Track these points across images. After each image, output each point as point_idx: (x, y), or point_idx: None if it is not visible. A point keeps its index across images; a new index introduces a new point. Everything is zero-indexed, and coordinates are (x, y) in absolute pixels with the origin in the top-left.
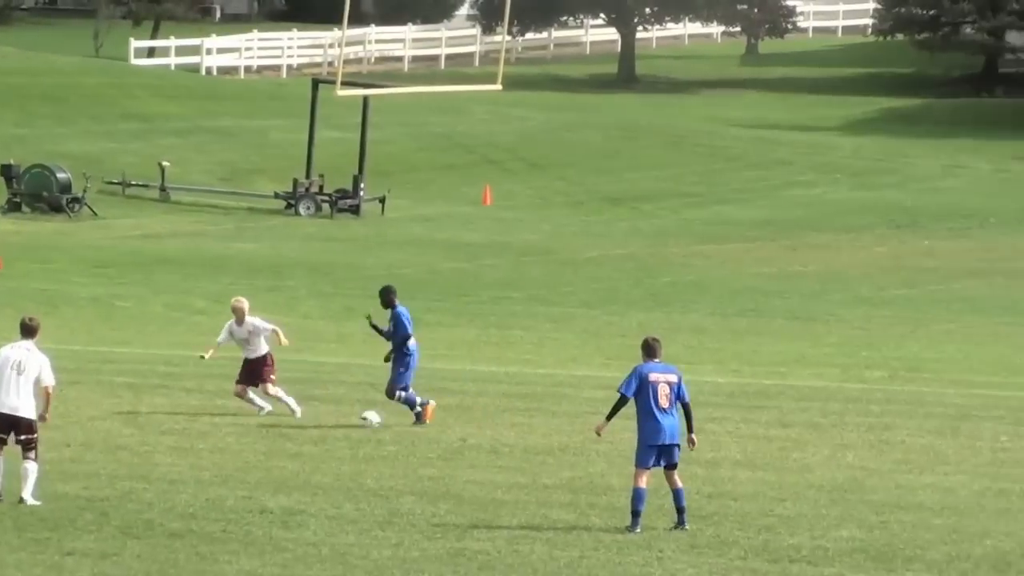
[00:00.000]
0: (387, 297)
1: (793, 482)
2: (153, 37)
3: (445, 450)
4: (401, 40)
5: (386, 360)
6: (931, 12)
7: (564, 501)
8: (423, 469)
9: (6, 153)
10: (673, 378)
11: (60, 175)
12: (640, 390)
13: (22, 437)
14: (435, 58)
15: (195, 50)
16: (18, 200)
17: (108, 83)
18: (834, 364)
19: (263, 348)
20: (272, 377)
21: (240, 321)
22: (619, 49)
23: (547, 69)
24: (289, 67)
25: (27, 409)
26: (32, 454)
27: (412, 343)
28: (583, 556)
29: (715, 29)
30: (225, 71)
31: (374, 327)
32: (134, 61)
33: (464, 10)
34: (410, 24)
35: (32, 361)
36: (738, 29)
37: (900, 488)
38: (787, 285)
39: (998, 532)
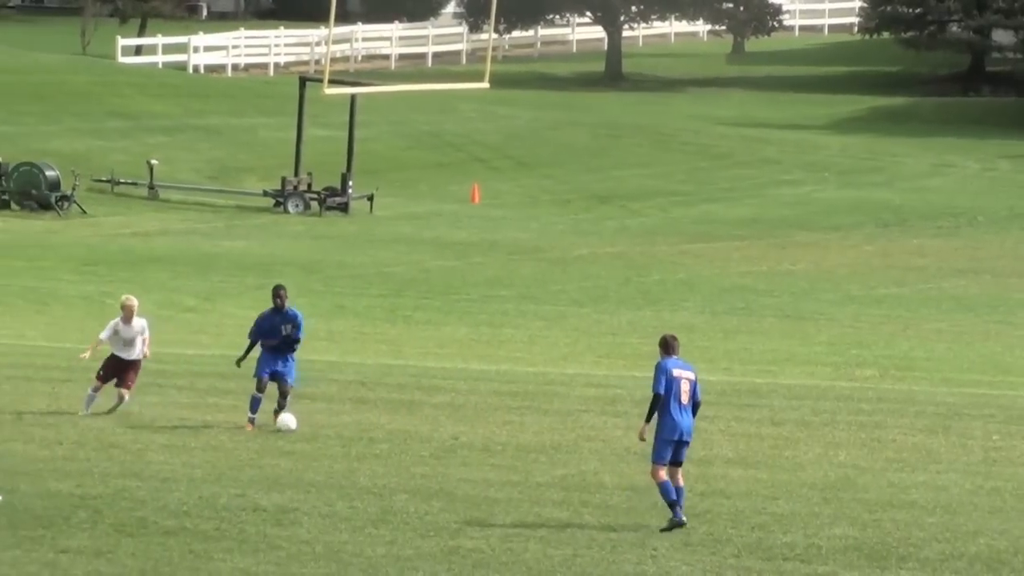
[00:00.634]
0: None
1: (786, 480)
2: (140, 35)
3: (437, 448)
4: (388, 38)
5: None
6: (917, 10)
7: (557, 499)
8: (416, 467)
9: None
10: (692, 376)
11: (49, 173)
12: (667, 386)
13: None
14: (422, 56)
15: (182, 48)
16: (7, 198)
17: (95, 81)
18: (825, 362)
19: (138, 352)
20: (133, 384)
21: (128, 320)
22: (605, 47)
23: (534, 67)
24: (276, 65)
25: None
26: None
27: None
28: (576, 554)
29: (701, 27)
30: (212, 69)
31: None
32: (121, 59)
33: (450, 8)
34: (397, 22)
35: None
36: (724, 27)
37: (892, 486)
38: (777, 284)
39: (991, 530)
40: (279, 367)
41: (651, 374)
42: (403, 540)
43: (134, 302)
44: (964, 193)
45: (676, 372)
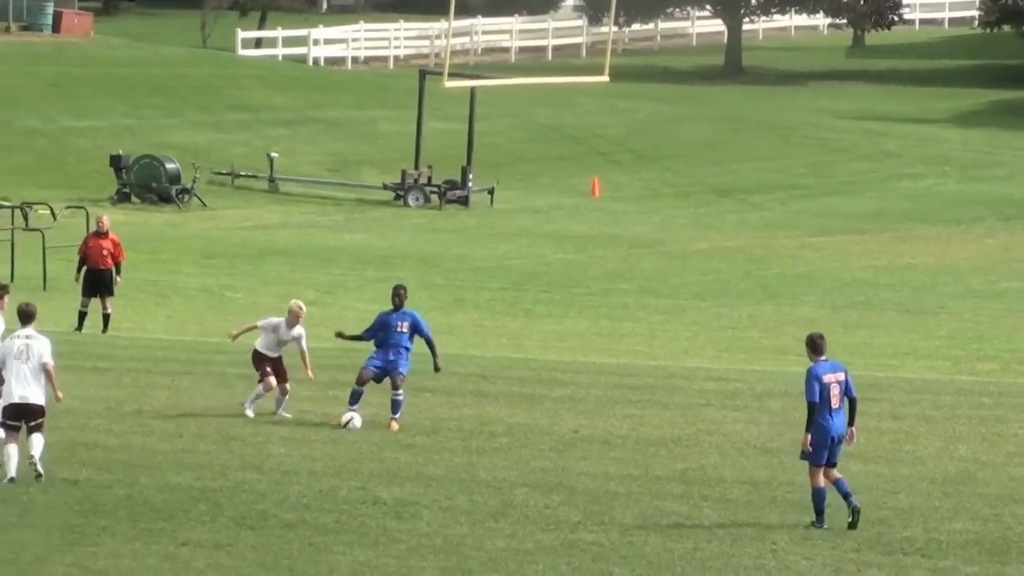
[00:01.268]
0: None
1: (906, 474)
2: (260, 28)
3: (557, 442)
4: (508, 31)
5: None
6: None
7: (677, 493)
8: (536, 460)
9: (115, 144)
10: (842, 376)
11: (169, 166)
12: (820, 392)
13: (32, 423)
14: (542, 49)
15: (302, 41)
16: (127, 191)
17: (216, 74)
18: (945, 356)
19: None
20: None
21: (292, 325)
22: (726, 40)
23: (654, 61)
24: (396, 58)
25: (37, 396)
26: (38, 431)
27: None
28: (696, 548)
29: (821, 21)
30: (332, 62)
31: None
32: (241, 52)
33: (570, 1)
34: (517, 15)
35: (34, 347)
36: (844, 21)
37: (1013, 481)
38: (897, 277)
39: None
40: (391, 357)
41: (772, 368)
42: (523, 534)
43: (303, 311)
44: None
45: (827, 377)
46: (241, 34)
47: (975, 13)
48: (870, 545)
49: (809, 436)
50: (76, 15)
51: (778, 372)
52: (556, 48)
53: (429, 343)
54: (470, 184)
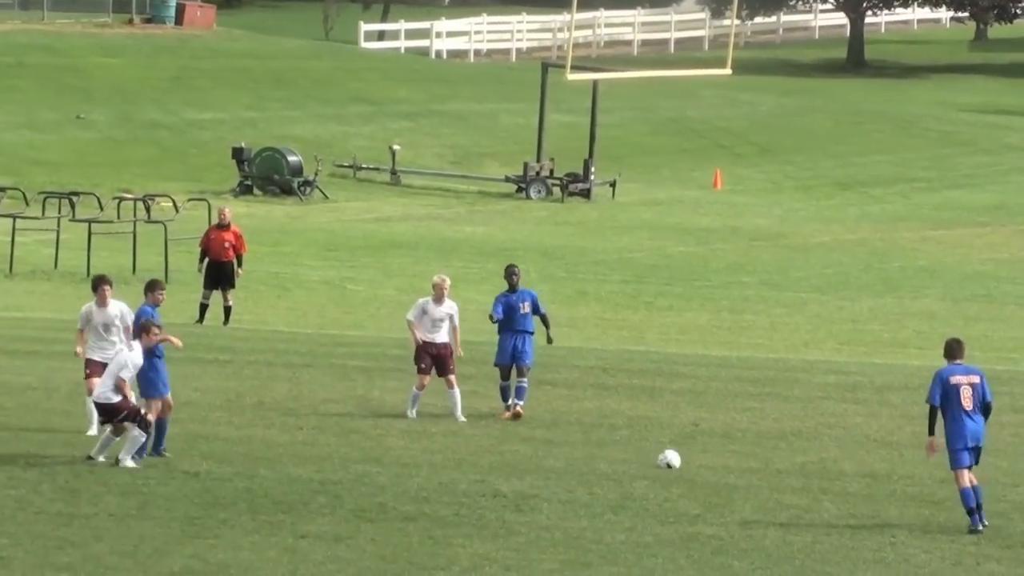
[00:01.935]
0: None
1: None
2: (383, 20)
3: (677, 434)
4: (630, 24)
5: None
6: None
7: (797, 486)
8: (656, 453)
9: (237, 136)
10: (976, 379)
11: (291, 158)
12: (945, 395)
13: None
14: (664, 42)
15: (424, 33)
16: (249, 183)
17: (338, 66)
18: None
19: (447, 333)
20: (455, 371)
21: (439, 300)
22: (848, 33)
23: (776, 53)
24: (518, 51)
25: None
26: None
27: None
28: (816, 541)
29: (944, 14)
30: (454, 54)
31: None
32: (364, 44)
33: None
34: (639, 8)
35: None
36: (967, 14)
37: None
38: (1019, 270)
39: None
40: (518, 346)
41: (893, 361)
42: (642, 527)
43: (447, 282)
44: None
45: (956, 379)
46: (364, 27)
47: None
48: (989, 538)
49: (932, 439)
50: (199, 8)
51: (899, 365)
52: (678, 41)
53: (544, 319)
54: (592, 177)
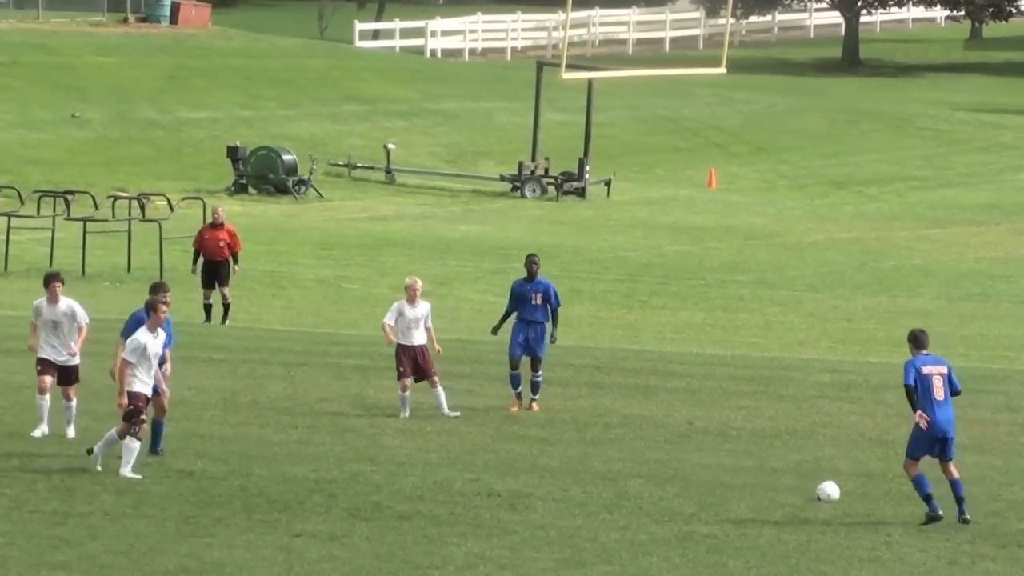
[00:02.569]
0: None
1: (1021, 467)
2: (378, 19)
3: (672, 433)
4: (625, 23)
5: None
6: None
7: (792, 485)
8: (651, 452)
9: (232, 135)
10: (944, 369)
11: (286, 157)
12: (917, 382)
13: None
14: (659, 41)
15: (419, 32)
16: (244, 182)
17: (333, 65)
18: None
19: (423, 334)
20: (433, 369)
21: (412, 301)
22: (843, 32)
23: (771, 53)
24: (513, 49)
25: None
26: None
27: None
28: (811, 540)
29: (938, 13)
30: (449, 53)
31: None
32: (359, 43)
33: None
34: (634, 7)
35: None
36: (962, 13)
37: None
38: (1014, 269)
39: None
40: (530, 337)
41: (888, 360)
42: (637, 525)
43: (418, 283)
44: None
45: (927, 369)
46: (358, 25)
47: None
48: (984, 537)
49: (920, 412)
50: (194, 7)
51: (894, 364)
52: (673, 40)
53: (554, 314)
54: (587, 176)
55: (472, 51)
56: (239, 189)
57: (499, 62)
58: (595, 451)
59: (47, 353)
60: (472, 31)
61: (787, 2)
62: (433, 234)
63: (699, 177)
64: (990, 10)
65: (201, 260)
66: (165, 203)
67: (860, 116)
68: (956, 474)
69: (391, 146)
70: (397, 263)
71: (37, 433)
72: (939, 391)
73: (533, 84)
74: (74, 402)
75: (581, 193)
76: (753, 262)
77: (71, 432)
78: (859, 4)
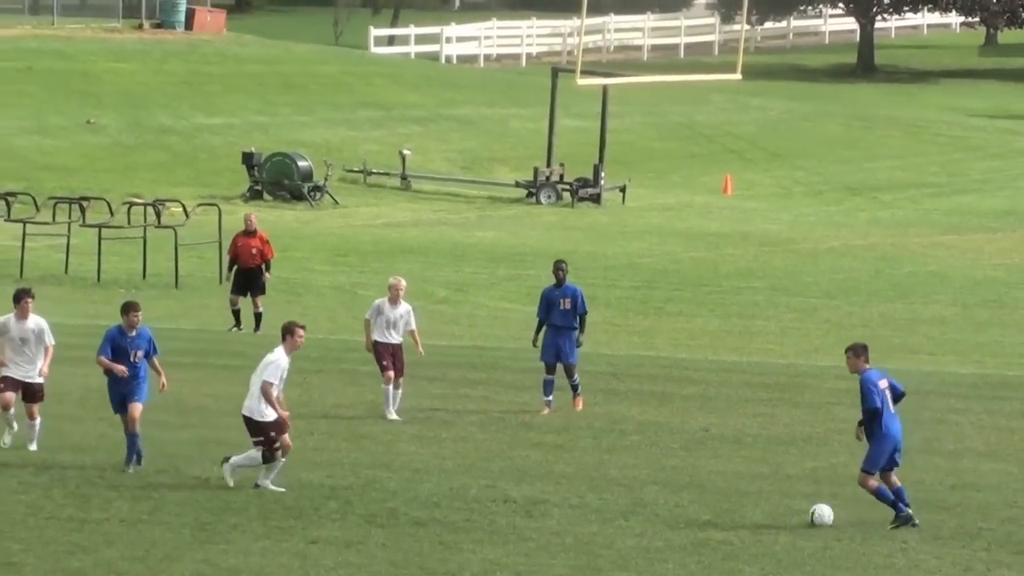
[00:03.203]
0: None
1: None
2: (392, 25)
3: (688, 440)
4: (640, 29)
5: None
6: None
7: (807, 491)
8: (666, 459)
9: (247, 141)
10: (886, 382)
11: (301, 163)
12: (883, 402)
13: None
14: (674, 47)
15: (434, 38)
16: (259, 188)
17: (348, 71)
18: None
19: (400, 335)
20: (403, 372)
21: (394, 301)
22: (858, 38)
23: (786, 58)
24: (528, 56)
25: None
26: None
27: None
28: (827, 547)
29: (954, 19)
30: (464, 60)
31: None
32: (374, 49)
33: None
34: (649, 13)
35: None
36: (977, 19)
37: None
38: None
39: None
40: (560, 345)
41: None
42: (653, 532)
43: (402, 283)
44: None
45: (882, 384)
46: (373, 32)
47: None
48: (1000, 544)
49: (860, 429)
50: (209, 12)
51: (910, 371)
52: (688, 46)
53: (581, 320)
54: (602, 182)
55: (487, 57)
56: (254, 195)
57: (514, 68)
58: (611, 458)
59: (12, 371)
60: (487, 37)
61: (802, 8)
62: (448, 240)
63: (714, 183)
64: (1005, 16)
65: (235, 267)
66: (180, 209)
67: (875, 122)
68: (898, 482)
69: (406, 152)
70: (413, 269)
71: (4, 442)
72: (891, 403)
73: (548, 90)
74: (38, 420)
75: (596, 199)
76: (768, 268)
77: (33, 447)
78: (874, 10)
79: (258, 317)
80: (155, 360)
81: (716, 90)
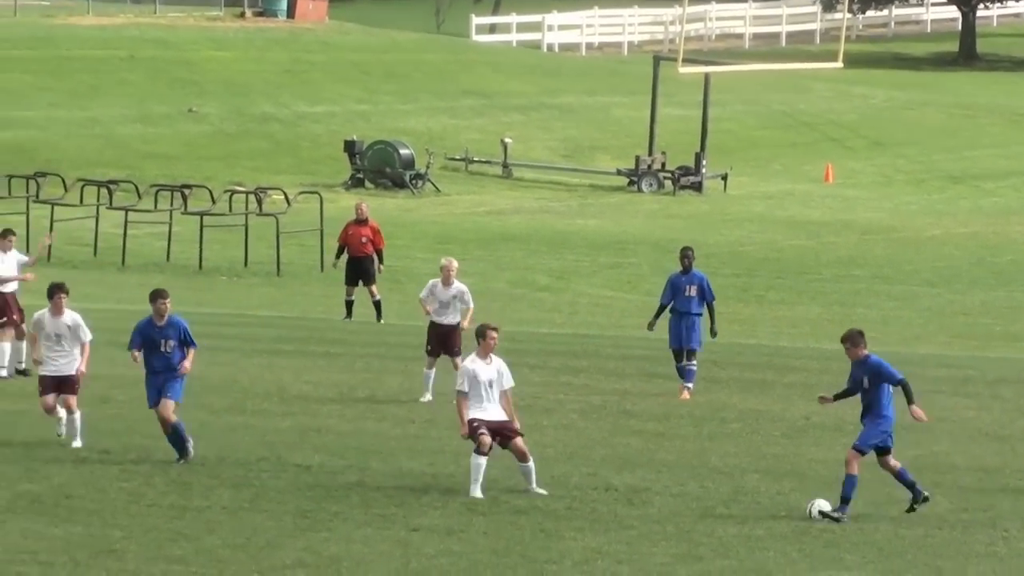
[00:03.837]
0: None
1: None
2: (494, 13)
3: (789, 428)
4: (741, 17)
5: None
6: None
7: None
8: (767, 447)
9: (350, 129)
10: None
11: (403, 151)
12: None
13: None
14: (775, 35)
15: (536, 27)
16: (361, 176)
17: (450, 60)
18: None
19: (456, 315)
20: (457, 348)
21: (447, 282)
22: (959, 27)
23: (888, 47)
24: (630, 44)
25: None
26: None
27: None
28: (928, 535)
29: None
30: (566, 48)
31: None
32: (475, 37)
33: None
34: (751, 1)
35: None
36: None
37: None
38: None
39: None
40: (683, 331)
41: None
42: (754, 520)
43: (453, 264)
44: None
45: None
46: (475, 20)
47: None
48: None
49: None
50: (311, 1)
51: (1011, 359)
52: (790, 34)
53: (710, 308)
54: (703, 170)
55: (589, 45)
56: (356, 183)
57: (616, 56)
58: (712, 446)
59: (46, 368)
60: (589, 25)
61: None
62: (550, 228)
63: (816, 172)
64: None
65: (345, 256)
66: (282, 197)
67: (977, 111)
68: (899, 465)
69: (508, 140)
70: (514, 257)
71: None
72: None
73: (650, 78)
74: (77, 414)
75: (698, 187)
76: (870, 257)
77: (77, 443)
78: None
79: (377, 305)
80: (190, 351)
81: (818, 78)
